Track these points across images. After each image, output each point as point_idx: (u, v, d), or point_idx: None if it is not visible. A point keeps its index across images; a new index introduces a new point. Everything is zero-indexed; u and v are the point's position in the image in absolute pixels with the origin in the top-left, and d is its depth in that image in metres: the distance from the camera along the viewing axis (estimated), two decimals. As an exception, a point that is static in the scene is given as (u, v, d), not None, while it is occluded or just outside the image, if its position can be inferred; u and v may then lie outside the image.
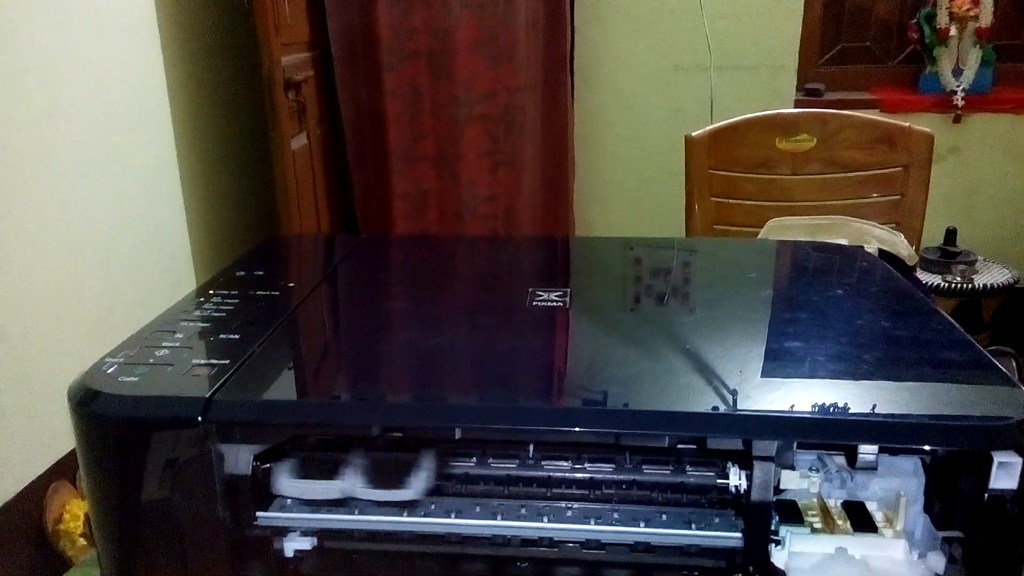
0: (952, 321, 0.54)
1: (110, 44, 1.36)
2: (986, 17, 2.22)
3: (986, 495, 0.41)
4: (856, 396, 0.45)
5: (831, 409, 0.42)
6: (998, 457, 0.40)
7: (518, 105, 1.97)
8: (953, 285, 2.16)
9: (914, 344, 0.52)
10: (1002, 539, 0.42)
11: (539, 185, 2.08)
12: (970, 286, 2.16)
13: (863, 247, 1.24)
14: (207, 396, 0.44)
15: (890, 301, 0.60)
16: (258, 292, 0.58)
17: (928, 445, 0.41)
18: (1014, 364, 0.67)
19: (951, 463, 0.44)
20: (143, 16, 1.46)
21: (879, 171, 1.38)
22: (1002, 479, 0.40)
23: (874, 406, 0.42)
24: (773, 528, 0.47)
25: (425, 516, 0.49)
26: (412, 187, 1.98)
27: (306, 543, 0.51)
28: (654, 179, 2.26)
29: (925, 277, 2.19)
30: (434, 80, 1.91)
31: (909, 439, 0.41)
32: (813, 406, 0.43)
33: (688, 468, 0.49)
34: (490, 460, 0.51)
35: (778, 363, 0.50)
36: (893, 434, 0.41)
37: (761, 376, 0.48)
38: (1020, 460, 0.40)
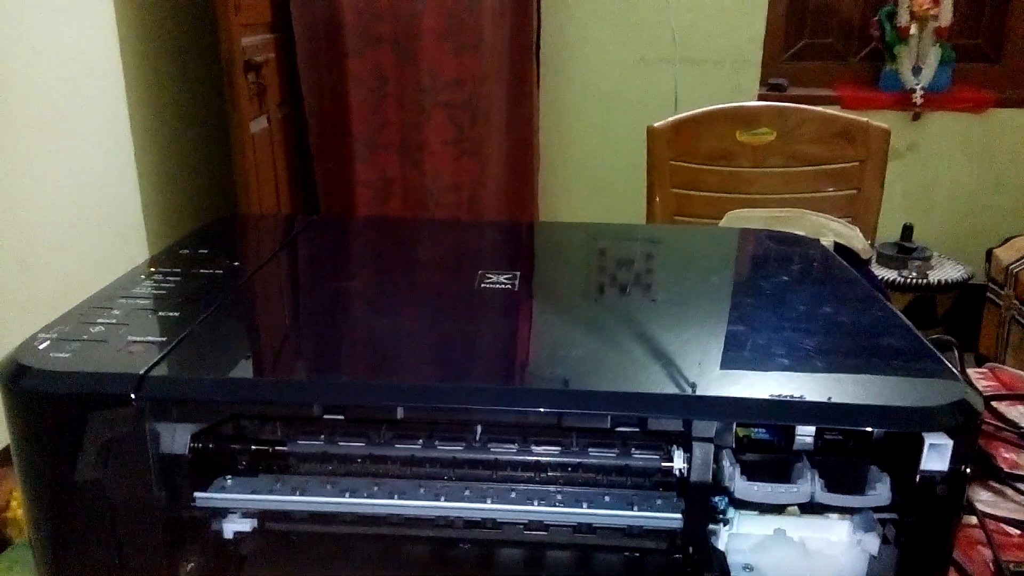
0: (895, 310, 0.55)
1: (63, 22, 1.32)
2: (946, 16, 2.26)
3: (918, 476, 0.41)
4: (795, 380, 0.45)
5: (769, 391, 0.43)
6: (929, 439, 0.41)
7: (483, 94, 1.96)
8: (908, 280, 2.21)
9: (856, 331, 0.52)
10: (933, 519, 0.43)
11: (504, 174, 2.07)
12: (925, 281, 2.21)
13: (819, 239, 1.25)
14: (141, 373, 0.43)
15: (836, 290, 0.61)
16: (201, 270, 0.57)
17: (862, 427, 0.42)
18: (956, 353, 0.69)
19: (888, 447, 0.45)
20: (98, -7, 1.42)
21: (837, 165, 1.40)
22: (933, 460, 0.41)
23: (812, 390, 0.43)
24: (723, 509, 0.47)
25: (368, 497, 0.49)
26: (375, 175, 1.96)
27: (246, 524, 0.50)
28: (618, 169, 2.27)
29: (882, 272, 2.23)
30: (399, 67, 1.89)
31: (844, 420, 0.42)
32: (751, 388, 0.43)
33: (634, 451, 0.49)
34: (436, 442, 0.50)
35: (721, 348, 0.50)
36: (828, 416, 0.42)
37: (704, 359, 0.48)
38: (951, 442, 0.41)
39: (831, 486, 0.43)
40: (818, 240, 0.86)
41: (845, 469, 0.44)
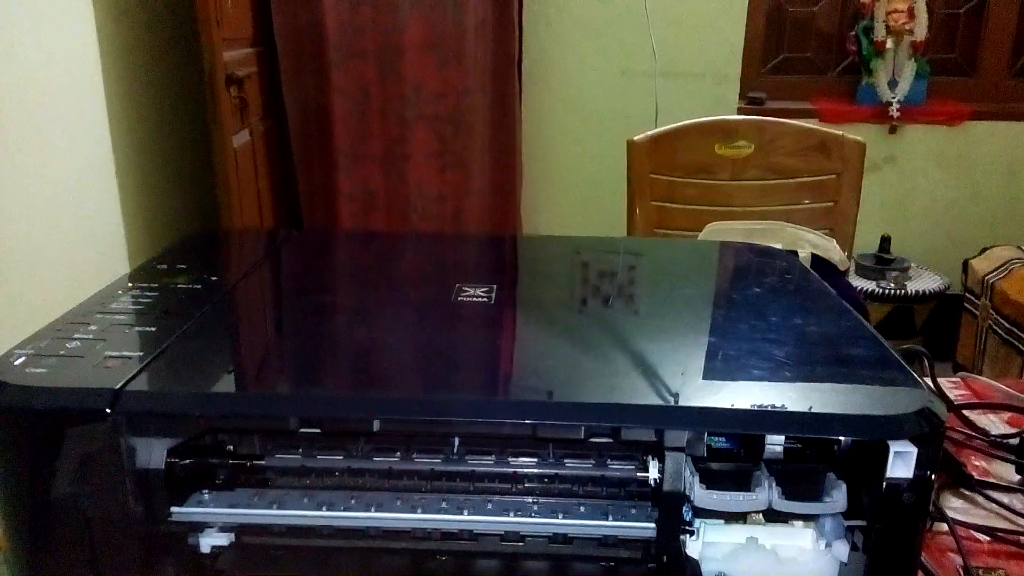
0: (862, 321, 0.56)
1: (43, 32, 1.32)
2: (921, 31, 2.30)
3: (884, 484, 0.42)
4: (765, 390, 0.46)
5: (738, 401, 0.43)
6: (894, 447, 0.42)
7: (466, 106, 1.97)
8: (887, 291, 2.23)
9: (823, 342, 0.53)
10: (900, 526, 0.44)
11: (487, 186, 2.08)
12: (903, 292, 2.23)
13: (796, 251, 1.27)
14: (116, 387, 0.43)
15: (805, 302, 0.62)
16: (179, 285, 0.57)
17: (829, 435, 0.43)
18: (926, 362, 0.70)
19: (856, 456, 0.46)
20: (79, 5, 1.42)
21: (813, 178, 1.42)
22: (898, 468, 0.42)
23: (778, 399, 0.44)
24: (688, 520, 0.48)
25: (345, 510, 0.49)
26: (359, 187, 1.96)
27: (223, 539, 0.50)
28: (600, 182, 2.29)
29: (860, 283, 2.26)
30: (382, 79, 1.90)
31: (809, 429, 0.43)
32: (721, 398, 0.44)
33: (609, 462, 0.50)
34: (413, 455, 0.51)
35: (693, 359, 0.51)
36: (797, 424, 0.43)
37: (677, 370, 0.49)
38: (915, 450, 0.42)
39: (789, 494, 0.44)
40: (790, 252, 0.88)
41: (803, 477, 0.45)
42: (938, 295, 2.26)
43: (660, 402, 0.45)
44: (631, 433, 0.45)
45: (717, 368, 0.49)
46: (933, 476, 0.42)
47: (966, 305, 2.22)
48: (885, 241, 2.33)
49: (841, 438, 0.45)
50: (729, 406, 0.43)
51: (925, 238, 2.45)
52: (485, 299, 0.58)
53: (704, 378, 0.48)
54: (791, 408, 0.43)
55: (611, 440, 0.47)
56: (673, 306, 0.62)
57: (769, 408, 0.43)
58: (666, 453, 0.44)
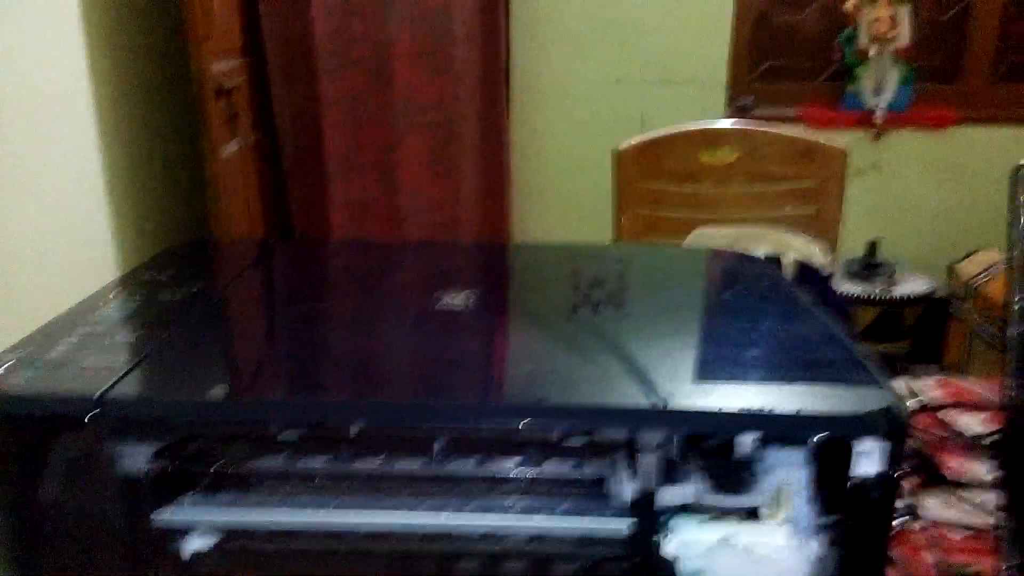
0: (831, 324, 0.57)
1: (31, 40, 1.32)
2: (904, 38, 2.33)
3: (849, 481, 0.43)
4: (738, 392, 0.47)
5: (708, 403, 0.44)
6: (859, 445, 0.43)
7: (457, 114, 1.98)
8: (874, 295, 2.24)
9: (796, 345, 0.54)
10: (867, 521, 0.45)
11: (478, 195, 2.09)
12: (890, 296, 2.25)
13: (780, 257, 1.28)
14: (97, 395, 0.44)
15: (781, 307, 0.63)
16: (162, 294, 0.58)
17: (795, 434, 0.44)
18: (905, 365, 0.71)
19: (830, 454, 0.47)
20: (68, 17, 1.43)
21: (797, 185, 1.44)
22: (864, 465, 0.43)
23: (750, 400, 0.45)
24: (664, 519, 0.48)
25: (323, 509, 0.50)
26: (350, 196, 1.97)
27: (206, 542, 0.51)
28: (591, 190, 2.29)
29: (848, 288, 2.27)
30: (373, 90, 1.91)
31: (779, 428, 0.44)
32: (690, 400, 0.45)
33: (586, 463, 0.51)
34: (394, 459, 0.52)
35: (666, 362, 0.52)
36: (764, 423, 0.44)
37: (651, 373, 0.50)
38: (880, 447, 0.43)
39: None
40: (773, 258, 0.89)
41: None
42: (925, 298, 2.28)
43: (634, 405, 0.46)
44: (603, 435, 0.45)
45: (689, 371, 0.50)
46: (899, 473, 0.43)
47: (951, 309, 2.23)
48: (872, 246, 2.34)
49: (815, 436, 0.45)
50: (696, 408, 0.44)
51: (912, 242, 2.46)
52: (461, 307, 0.59)
53: (677, 382, 0.49)
54: (758, 408, 0.44)
55: (587, 442, 0.48)
56: (651, 312, 0.63)
57: (738, 410, 0.44)
58: (639, 454, 0.45)
